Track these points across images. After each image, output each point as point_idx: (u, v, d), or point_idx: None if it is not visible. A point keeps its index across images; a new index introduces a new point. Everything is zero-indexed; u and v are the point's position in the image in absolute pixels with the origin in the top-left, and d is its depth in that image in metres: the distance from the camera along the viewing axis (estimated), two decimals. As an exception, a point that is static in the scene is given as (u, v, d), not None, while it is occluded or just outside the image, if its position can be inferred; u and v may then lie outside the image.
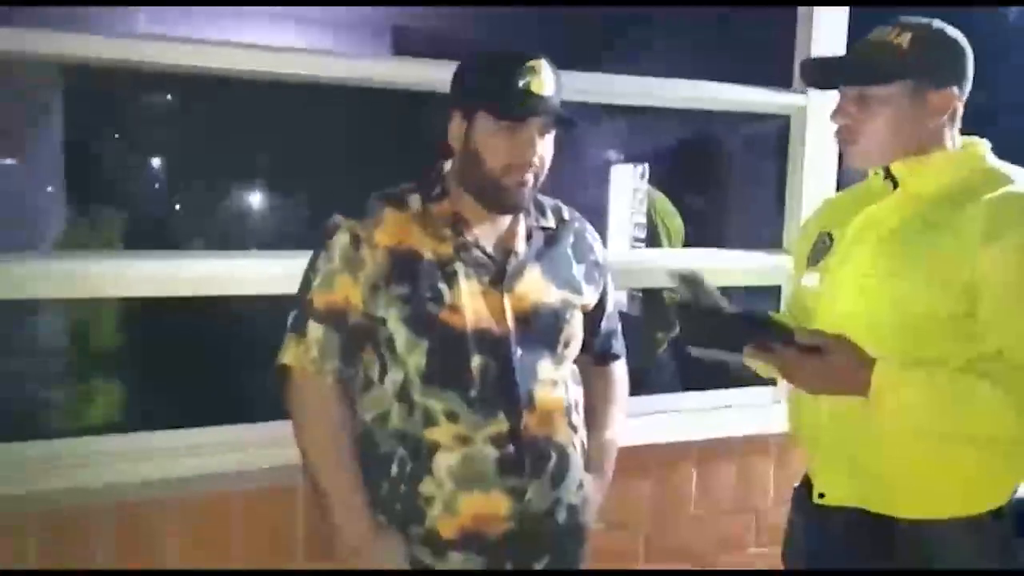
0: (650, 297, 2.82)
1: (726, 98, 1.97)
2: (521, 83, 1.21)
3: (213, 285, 1.61)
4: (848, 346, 1.13)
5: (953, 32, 1.22)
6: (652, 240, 3.02)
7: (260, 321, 1.42)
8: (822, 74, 1.32)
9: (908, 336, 1.15)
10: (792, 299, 1.45)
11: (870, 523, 1.21)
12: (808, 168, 2.00)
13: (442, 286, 1.25)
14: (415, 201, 1.30)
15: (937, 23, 1.22)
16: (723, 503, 1.97)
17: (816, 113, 1.98)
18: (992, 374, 1.11)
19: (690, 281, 1.21)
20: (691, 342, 1.27)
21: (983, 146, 1.25)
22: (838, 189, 2.04)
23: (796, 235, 1.45)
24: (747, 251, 2.04)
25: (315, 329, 1.27)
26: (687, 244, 3.14)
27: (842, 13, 1.98)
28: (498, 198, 1.25)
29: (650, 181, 3.69)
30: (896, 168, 1.23)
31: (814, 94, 1.97)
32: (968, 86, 1.23)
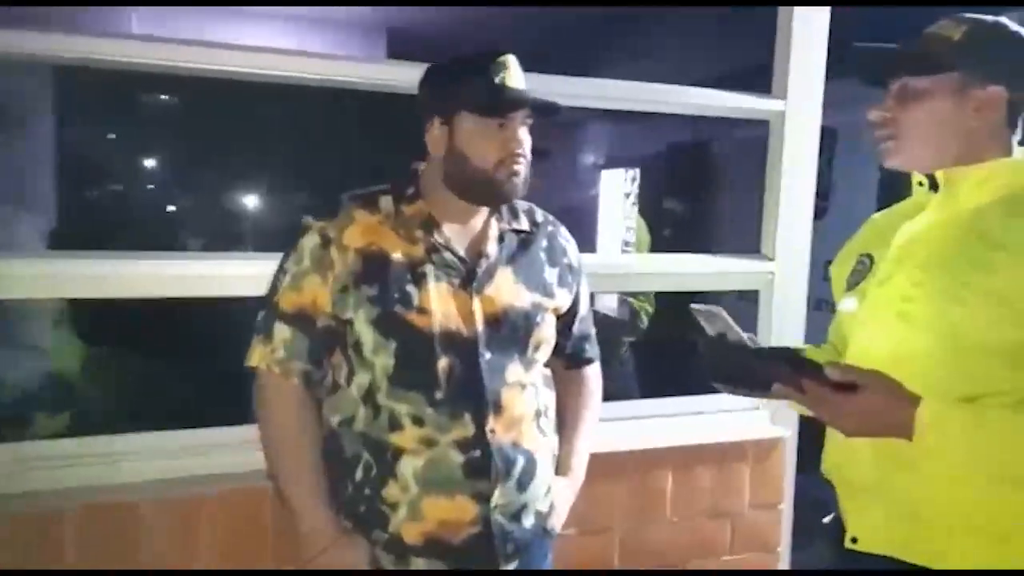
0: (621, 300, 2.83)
1: (705, 103, 1.97)
2: (497, 79, 1.23)
3: (195, 286, 1.61)
4: (886, 382, 1.02)
5: (1017, 29, 1.12)
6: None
7: (241, 323, 1.41)
8: (868, 64, 1.20)
9: (957, 368, 1.04)
10: (832, 327, 1.34)
11: (905, 573, 1.11)
12: (787, 173, 2.00)
13: (411, 288, 1.25)
14: (386, 202, 1.30)
15: (1002, 19, 1.12)
16: (700, 509, 1.97)
17: (795, 118, 1.98)
18: None
19: (710, 317, 1.14)
20: (716, 378, 1.19)
21: None
22: (817, 194, 2.05)
23: (836, 257, 1.32)
24: (725, 256, 2.04)
25: (282, 330, 1.26)
26: (675, 247, 3.14)
27: (823, 15, 1.98)
28: (493, 193, 1.26)
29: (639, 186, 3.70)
30: (941, 176, 1.13)
31: (793, 99, 1.98)
32: None
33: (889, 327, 1.11)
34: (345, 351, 1.27)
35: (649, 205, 3.29)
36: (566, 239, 1.44)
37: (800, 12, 1.96)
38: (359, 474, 1.26)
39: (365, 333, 1.24)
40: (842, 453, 1.18)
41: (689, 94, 1.95)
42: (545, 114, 1.28)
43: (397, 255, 1.26)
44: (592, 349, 1.51)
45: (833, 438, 1.22)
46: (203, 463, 1.61)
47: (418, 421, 1.23)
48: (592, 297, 1.58)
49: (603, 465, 1.49)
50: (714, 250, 2.15)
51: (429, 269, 1.26)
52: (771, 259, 2.01)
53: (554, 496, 1.36)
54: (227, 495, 1.59)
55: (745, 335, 1.11)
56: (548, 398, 1.39)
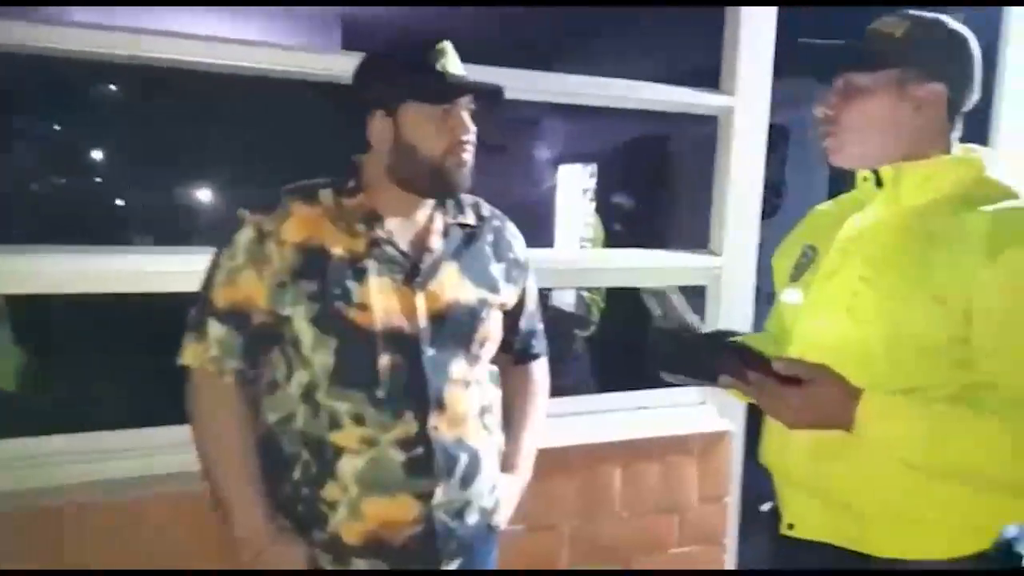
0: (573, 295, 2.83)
1: (653, 98, 1.98)
2: (438, 66, 1.21)
3: (153, 282, 1.56)
4: (831, 376, 1.04)
5: (957, 28, 1.13)
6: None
7: (183, 319, 1.37)
8: (813, 60, 1.21)
9: (897, 362, 1.06)
10: (772, 317, 1.36)
11: (840, 559, 1.13)
12: (735, 169, 2.01)
13: (351, 283, 1.22)
14: (326, 196, 1.27)
15: (944, 17, 1.13)
16: (647, 503, 1.98)
17: (743, 114, 2.00)
18: (987, 406, 1.02)
19: (660, 298, 1.16)
20: (663, 368, 1.19)
21: (983, 154, 1.14)
22: (766, 190, 2.08)
23: (778, 248, 1.34)
24: (674, 252, 2.05)
25: (215, 328, 1.23)
26: (630, 242, 3.16)
27: (770, 12, 2.00)
28: (443, 182, 1.24)
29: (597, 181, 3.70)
30: (885, 172, 1.14)
31: (741, 95, 1.99)
32: (967, 87, 1.13)
33: (835, 320, 1.12)
34: (283, 348, 1.24)
35: (604, 201, 3.29)
36: (513, 234, 1.43)
37: (748, 8, 1.97)
38: (297, 474, 1.23)
39: (304, 330, 1.21)
40: (779, 443, 1.20)
41: (638, 89, 1.95)
42: (489, 100, 1.26)
43: (337, 250, 1.23)
44: (539, 345, 1.50)
45: (770, 428, 1.23)
46: (140, 464, 1.56)
47: (359, 420, 1.21)
48: (549, 292, 1.57)
49: (551, 461, 1.48)
50: (668, 246, 2.16)
51: (371, 264, 1.24)
52: (718, 255, 2.03)
53: (499, 493, 1.35)
54: (165, 497, 1.55)
55: (692, 318, 1.12)
56: (494, 395, 1.37)
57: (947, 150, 1.14)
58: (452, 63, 1.23)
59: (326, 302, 1.20)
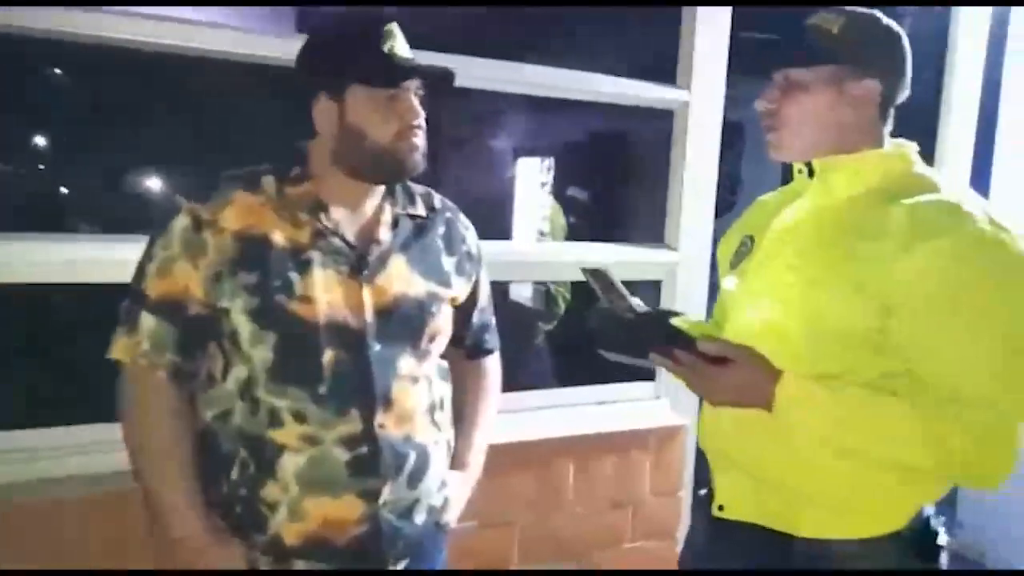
0: (537, 287, 2.80)
1: (608, 91, 1.96)
2: (386, 48, 1.17)
3: (98, 271, 1.49)
4: (754, 357, 1.08)
5: (890, 25, 1.16)
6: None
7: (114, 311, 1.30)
8: (755, 57, 1.25)
9: (820, 348, 1.09)
10: (716, 304, 1.39)
11: (768, 539, 1.16)
12: (690, 164, 2.01)
13: (293, 275, 1.17)
14: (269, 183, 1.21)
15: (878, 13, 1.16)
16: (602, 498, 1.97)
17: (699, 109, 1.99)
18: (901, 392, 1.05)
19: (598, 277, 1.16)
20: (598, 344, 1.22)
21: (911, 149, 1.16)
22: (718, 186, 2.08)
23: (722, 237, 1.38)
24: (629, 246, 2.04)
25: (148, 320, 1.16)
26: (579, 238, 3.14)
27: (725, 12, 1.99)
28: (393, 168, 1.19)
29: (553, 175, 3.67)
30: (818, 165, 1.16)
31: (697, 90, 1.99)
32: (900, 83, 1.16)
33: (764, 307, 1.15)
34: (220, 342, 1.18)
35: (561, 194, 3.27)
36: (465, 226, 1.39)
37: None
38: (235, 473, 1.18)
39: (242, 324, 1.16)
40: (710, 425, 1.24)
41: (595, 81, 1.93)
42: (439, 84, 1.22)
43: (279, 240, 1.18)
44: (492, 340, 1.46)
45: (705, 411, 1.26)
46: (69, 464, 1.48)
47: (300, 417, 1.16)
48: (508, 285, 1.54)
49: (504, 456, 1.46)
50: (620, 240, 2.15)
51: (315, 255, 1.19)
52: (674, 249, 2.02)
53: (449, 491, 1.32)
54: (90, 499, 1.48)
55: (631, 299, 1.15)
56: (444, 391, 1.34)
57: (879, 144, 1.16)
58: (400, 46, 1.19)
59: (266, 294, 1.15)
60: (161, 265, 1.17)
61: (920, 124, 2.50)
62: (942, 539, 1.15)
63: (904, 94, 1.17)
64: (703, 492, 1.33)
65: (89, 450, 1.51)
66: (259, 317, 1.15)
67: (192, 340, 1.18)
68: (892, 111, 1.17)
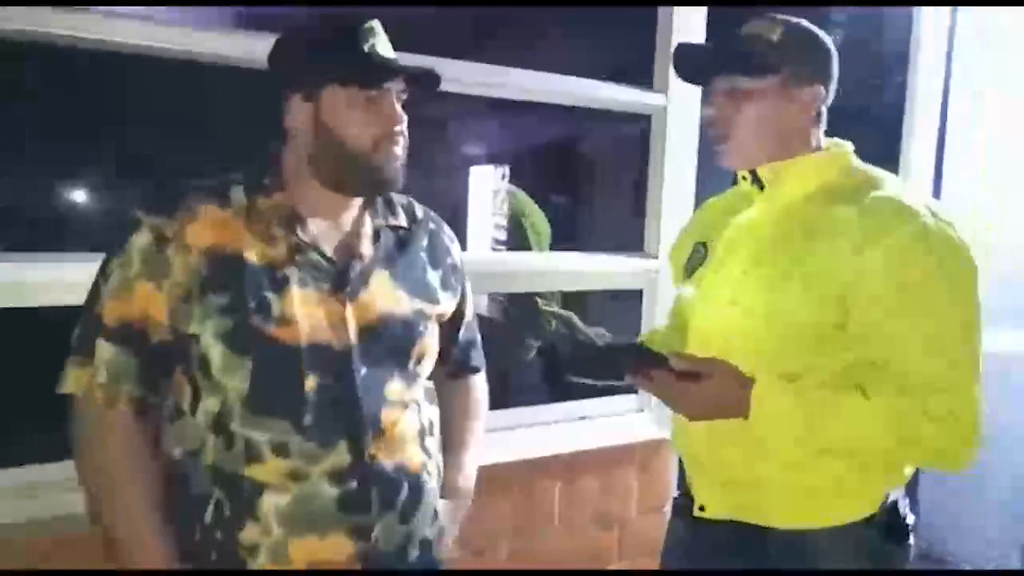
0: (522, 302, 2.72)
1: (585, 95, 1.90)
2: (367, 47, 1.07)
3: (45, 294, 1.37)
4: (724, 369, 1.10)
5: (819, 31, 1.21)
6: (520, 242, 2.92)
7: (62, 339, 1.17)
8: (693, 65, 1.26)
9: (783, 348, 1.13)
10: (672, 310, 1.43)
11: (747, 533, 1.20)
12: (668, 169, 1.96)
13: (270, 295, 1.06)
14: (238, 194, 1.10)
15: (805, 22, 1.20)
16: (587, 517, 1.90)
17: (677, 114, 1.95)
18: (864, 383, 1.09)
19: (562, 320, 1.18)
20: (572, 372, 1.25)
21: (847, 147, 1.22)
22: (697, 192, 2.04)
23: (673, 244, 1.42)
24: (608, 255, 1.98)
25: (105, 349, 1.04)
26: (554, 246, 3.08)
27: (700, 13, 1.96)
28: (372, 179, 1.10)
29: (512, 183, 3.61)
30: (762, 172, 1.20)
31: (675, 95, 1.95)
32: (833, 87, 1.22)
33: (722, 312, 1.19)
34: (188, 371, 1.07)
35: (543, 201, 3.18)
36: (450, 237, 1.30)
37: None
38: (209, 515, 1.06)
39: (214, 350, 1.04)
40: (684, 430, 1.27)
41: (567, 83, 1.87)
42: (424, 87, 1.13)
43: (252, 257, 1.07)
44: (478, 357, 1.38)
45: (678, 417, 1.26)
46: (15, 507, 1.34)
47: (282, 451, 1.05)
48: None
49: (487, 477, 1.37)
50: (605, 248, 2.09)
51: (292, 272, 1.08)
52: (655, 257, 1.97)
53: (442, 521, 1.22)
54: (46, 543, 1.35)
55: (594, 336, 1.13)
56: (432, 414, 1.24)
57: (818, 146, 1.21)
58: (381, 44, 1.10)
59: (241, 317, 1.04)
60: (119, 286, 1.05)
61: (885, 124, 2.53)
62: (910, 519, 1.20)
63: (832, 98, 1.22)
64: (678, 494, 1.35)
65: (35, 493, 1.36)
66: (233, 342, 1.04)
67: (155, 370, 1.07)
68: (825, 113, 1.22)
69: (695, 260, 1.29)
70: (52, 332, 1.17)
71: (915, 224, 1.07)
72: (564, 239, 3.02)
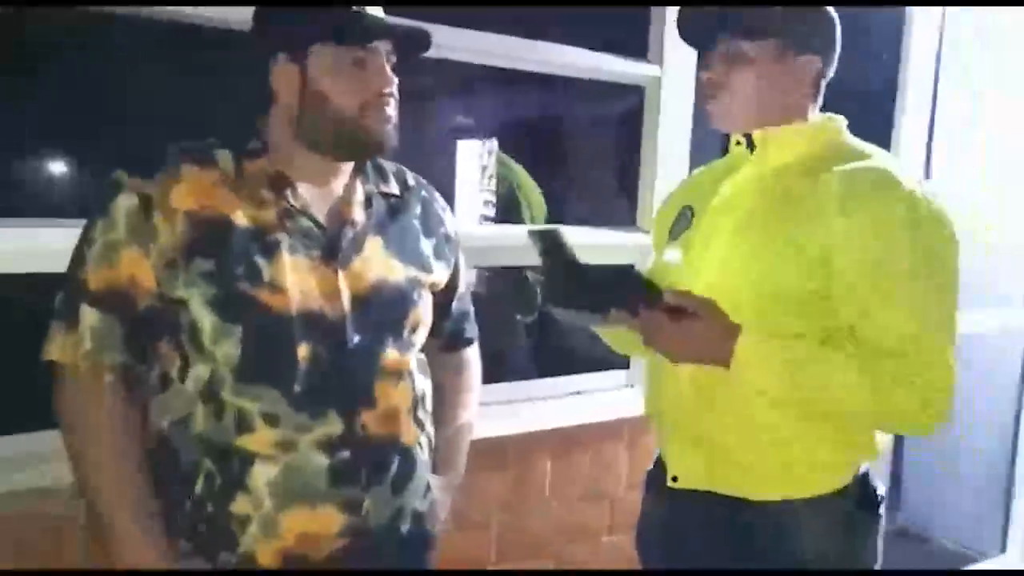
0: (512, 276, 2.69)
1: (577, 64, 1.86)
2: (354, 7, 1.04)
3: (21, 261, 1.32)
4: (716, 311, 1.10)
5: (826, 6, 1.21)
6: (514, 216, 2.88)
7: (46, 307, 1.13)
8: (694, 28, 1.26)
9: (765, 313, 1.13)
10: (652, 274, 1.40)
11: (721, 505, 1.20)
12: (662, 142, 1.94)
13: (259, 260, 1.03)
14: (224, 158, 1.07)
15: None
16: (578, 492, 1.89)
17: (671, 86, 1.92)
18: (846, 349, 1.11)
19: (548, 238, 1.12)
20: (553, 301, 1.17)
21: (840, 121, 1.23)
22: (691, 165, 2.02)
23: (659, 208, 1.42)
24: (598, 228, 1.96)
25: (89, 315, 1.01)
26: (546, 220, 3.05)
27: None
28: (361, 141, 1.07)
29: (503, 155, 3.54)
30: (757, 136, 1.20)
31: (670, 65, 1.92)
32: (832, 61, 1.22)
33: (709, 276, 1.18)
34: (177, 339, 1.04)
35: (533, 172, 3.14)
36: (442, 206, 1.28)
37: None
38: (199, 487, 1.04)
39: (203, 316, 1.01)
40: (661, 396, 1.26)
41: (557, 53, 1.83)
42: (413, 48, 1.10)
43: (241, 221, 1.04)
44: (472, 329, 1.36)
45: (654, 383, 1.29)
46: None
47: (272, 420, 1.03)
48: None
49: (479, 451, 1.36)
50: (597, 223, 2.07)
51: (282, 237, 1.05)
52: (647, 232, 1.95)
53: (434, 495, 1.21)
54: (28, 516, 1.31)
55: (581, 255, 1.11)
56: (425, 386, 1.22)
57: (807, 116, 1.22)
58: (369, 5, 1.07)
59: (229, 282, 1.01)
60: (104, 251, 1.01)
61: (877, 109, 2.52)
62: (880, 491, 1.23)
63: (833, 71, 1.23)
64: (650, 468, 1.34)
65: (23, 464, 1.33)
66: (222, 308, 1.01)
67: (142, 337, 1.04)
68: (823, 86, 1.23)
69: (681, 224, 1.29)
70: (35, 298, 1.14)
71: (898, 191, 1.08)
72: (555, 213, 2.99)
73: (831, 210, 1.09)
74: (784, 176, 1.18)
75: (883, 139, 2.47)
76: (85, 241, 1.03)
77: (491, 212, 3.91)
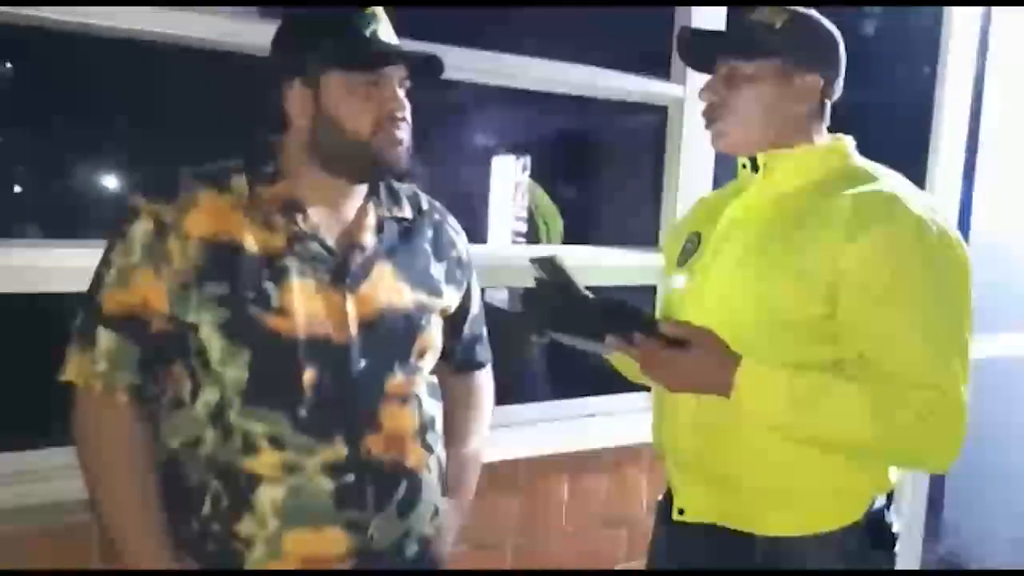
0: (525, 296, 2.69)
1: (601, 84, 1.86)
2: (368, 32, 1.06)
3: (45, 280, 1.35)
4: (714, 341, 1.09)
5: (828, 24, 1.19)
6: (532, 238, 2.90)
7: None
8: (695, 47, 1.25)
9: (773, 340, 1.11)
10: (663, 301, 1.40)
11: (729, 540, 1.17)
12: (685, 162, 1.92)
13: (268, 285, 1.05)
14: (239, 182, 1.09)
15: (814, 12, 1.19)
16: (595, 517, 1.87)
17: (694, 105, 1.90)
18: (853, 377, 1.07)
19: (548, 264, 1.13)
20: (551, 325, 1.18)
21: (848, 142, 1.21)
22: (714, 185, 1.99)
23: (667, 234, 1.44)
24: (623, 249, 1.94)
25: (105, 337, 1.04)
26: (566, 240, 3.05)
27: (719, 12, 1.91)
28: (373, 164, 1.08)
29: (531, 174, 3.57)
30: (761, 159, 1.18)
31: (692, 85, 1.90)
32: (838, 80, 1.20)
33: (715, 302, 1.16)
34: (187, 361, 1.06)
35: (554, 195, 3.16)
36: (455, 230, 1.28)
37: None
38: (207, 507, 1.05)
39: (212, 340, 1.03)
40: (667, 428, 1.23)
41: (582, 73, 1.83)
42: (426, 72, 1.11)
43: (252, 246, 1.06)
44: (484, 352, 1.36)
45: (659, 414, 1.27)
46: (11, 493, 1.34)
47: (277, 443, 1.04)
48: (482, 291, 1.43)
49: (494, 474, 1.35)
50: (618, 243, 2.06)
51: (292, 262, 1.07)
52: (669, 252, 1.93)
53: (442, 519, 1.21)
54: (41, 531, 1.34)
55: (582, 288, 1.11)
56: (434, 409, 1.22)
57: (819, 138, 1.20)
58: (384, 30, 1.09)
59: (239, 307, 1.03)
60: (120, 274, 1.04)
61: (912, 126, 2.46)
62: (896, 527, 1.18)
63: (839, 91, 1.21)
64: (660, 498, 1.32)
65: (38, 478, 1.36)
66: (231, 332, 1.03)
67: (156, 359, 1.06)
68: (830, 107, 1.21)
69: (688, 251, 1.27)
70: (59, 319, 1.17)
71: (907, 216, 1.06)
72: (579, 232, 2.99)
73: (837, 236, 1.07)
74: (790, 201, 1.15)
75: (921, 155, 2.41)
76: (103, 264, 1.06)
77: (523, 228, 3.92)
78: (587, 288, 1.15)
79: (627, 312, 1.11)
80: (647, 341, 1.08)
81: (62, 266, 1.35)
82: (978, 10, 2.39)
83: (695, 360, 1.07)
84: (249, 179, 1.09)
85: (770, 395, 1.06)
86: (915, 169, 2.35)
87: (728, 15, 1.90)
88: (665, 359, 1.08)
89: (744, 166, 1.22)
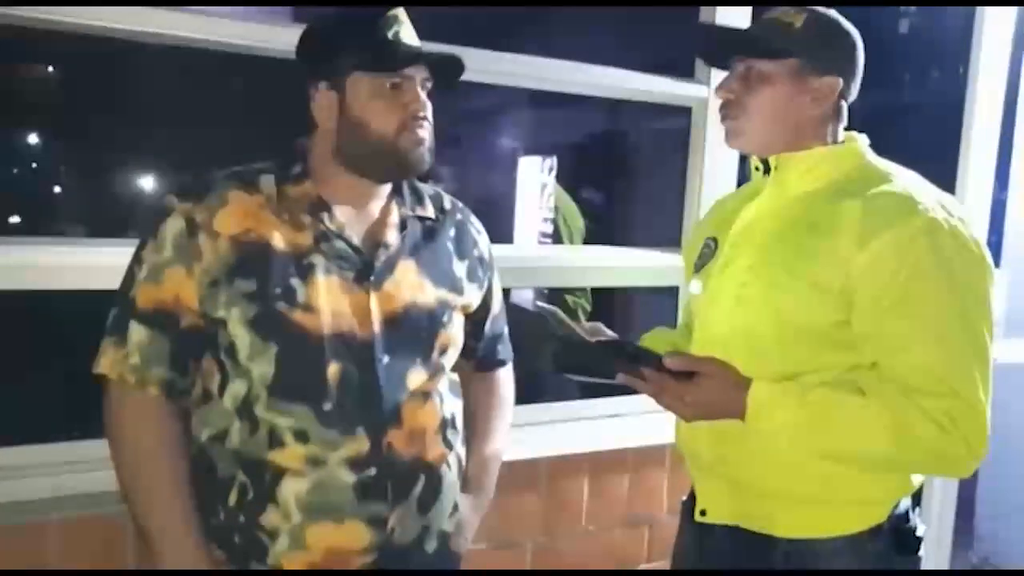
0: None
1: (625, 85, 1.86)
2: (391, 34, 1.09)
3: (83, 277, 1.39)
4: (721, 369, 1.08)
5: (848, 26, 1.18)
6: (554, 240, 2.90)
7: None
8: (712, 45, 1.26)
9: (787, 348, 1.10)
10: (684, 308, 1.42)
11: (751, 541, 1.17)
12: (709, 163, 1.91)
13: (295, 282, 1.08)
14: (268, 182, 1.12)
15: (835, 13, 1.17)
16: (616, 517, 1.87)
17: (718, 106, 1.90)
18: (869, 387, 1.06)
19: (547, 320, 1.15)
20: (560, 369, 1.23)
21: (862, 141, 1.19)
22: (739, 186, 1.99)
23: (687, 239, 1.44)
24: (646, 250, 1.94)
25: (138, 332, 1.07)
26: (591, 241, 3.05)
27: (744, 12, 1.90)
28: (397, 164, 1.11)
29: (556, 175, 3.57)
30: (774, 161, 1.17)
31: (716, 86, 1.89)
32: (855, 83, 1.18)
33: (728, 309, 1.16)
34: (217, 356, 1.09)
35: (577, 195, 3.16)
36: (477, 229, 1.30)
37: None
38: (233, 498, 1.08)
39: (240, 335, 1.06)
40: (687, 432, 1.24)
41: (606, 75, 1.84)
42: (447, 76, 1.14)
43: (280, 244, 1.08)
44: (505, 350, 1.37)
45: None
46: (49, 484, 1.38)
47: (302, 437, 1.07)
48: (507, 292, 1.45)
49: (515, 473, 1.36)
50: (624, 242, 2.06)
51: (318, 260, 1.10)
52: (693, 253, 1.93)
53: (461, 515, 1.22)
54: (76, 521, 1.38)
55: (582, 332, 1.13)
56: (455, 406, 1.24)
57: (834, 140, 1.18)
58: (406, 32, 1.11)
59: (266, 303, 1.06)
60: (152, 271, 1.07)
61: (946, 123, 2.43)
62: (921, 531, 1.16)
63: (856, 93, 1.20)
64: (685, 498, 1.33)
65: (74, 469, 1.40)
66: (259, 328, 1.06)
67: (186, 353, 1.09)
68: (846, 108, 1.19)
69: (705, 256, 1.26)
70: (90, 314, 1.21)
71: (920, 217, 1.04)
72: (604, 232, 2.99)
73: (848, 243, 1.05)
74: (803, 204, 1.14)
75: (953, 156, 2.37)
76: (136, 261, 1.10)
77: (549, 228, 3.92)
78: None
79: (632, 352, 1.13)
80: (656, 376, 1.08)
81: (100, 264, 1.38)
82: (1012, 10, 2.35)
83: (705, 390, 1.07)
84: (277, 180, 1.12)
85: (783, 416, 1.06)
86: (947, 169, 2.31)
87: (753, 15, 1.89)
88: (675, 392, 1.08)
89: (757, 168, 1.21)
